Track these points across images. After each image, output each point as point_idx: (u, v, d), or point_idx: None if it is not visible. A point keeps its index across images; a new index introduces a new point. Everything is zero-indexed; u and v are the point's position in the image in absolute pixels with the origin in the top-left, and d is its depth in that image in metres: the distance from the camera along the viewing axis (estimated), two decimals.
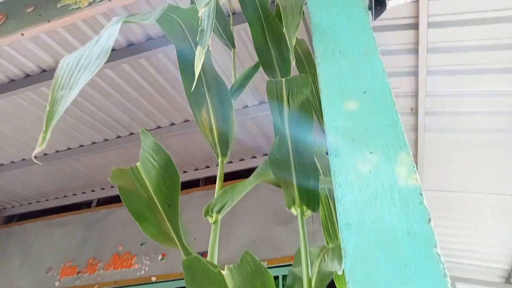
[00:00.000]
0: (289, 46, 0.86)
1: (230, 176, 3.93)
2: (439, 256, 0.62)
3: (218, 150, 1.01)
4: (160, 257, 3.82)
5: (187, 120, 3.78)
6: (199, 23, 0.69)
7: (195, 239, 3.71)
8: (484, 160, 2.50)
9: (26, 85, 3.03)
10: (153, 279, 3.68)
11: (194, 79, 1.03)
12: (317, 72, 0.98)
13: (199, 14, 0.66)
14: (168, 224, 0.73)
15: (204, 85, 1.03)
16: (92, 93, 3.29)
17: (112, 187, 4.83)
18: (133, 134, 3.94)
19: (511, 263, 3.63)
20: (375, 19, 1.28)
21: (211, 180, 4.70)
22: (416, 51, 2.08)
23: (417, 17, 1.92)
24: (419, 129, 2.47)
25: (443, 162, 2.68)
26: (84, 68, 0.56)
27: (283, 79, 0.82)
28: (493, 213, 2.98)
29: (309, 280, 0.72)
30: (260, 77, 3.29)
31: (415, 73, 2.19)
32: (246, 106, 3.61)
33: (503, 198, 2.75)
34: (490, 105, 2.19)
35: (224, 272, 0.55)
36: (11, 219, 5.23)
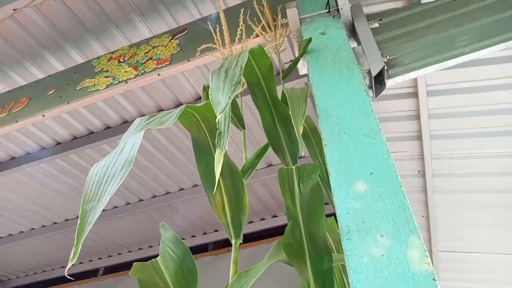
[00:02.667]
0: (296, 134, 0.92)
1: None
2: None
3: (232, 232, 1.03)
4: None
5: (196, 185, 3.83)
6: (217, 126, 0.75)
7: None
8: (498, 220, 2.47)
9: (41, 157, 3.14)
10: None
11: (208, 164, 1.09)
12: (324, 153, 1.03)
13: (217, 120, 0.73)
14: None
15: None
16: None
17: (120, 254, 4.77)
18: (142, 200, 3.97)
19: None
20: (376, 97, 1.36)
21: (219, 245, 4.63)
22: (418, 117, 2.16)
23: (416, 86, 2.02)
24: (428, 191, 2.48)
25: (456, 222, 2.65)
26: (111, 179, 0.61)
27: (294, 168, 0.87)
28: (508, 273, 2.88)
29: None
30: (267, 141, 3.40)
31: (419, 137, 2.26)
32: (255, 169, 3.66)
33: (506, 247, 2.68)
34: (495, 166, 2.22)
35: None
36: None
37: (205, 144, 1.06)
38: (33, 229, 4.17)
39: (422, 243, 0.78)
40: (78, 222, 0.59)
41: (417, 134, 2.25)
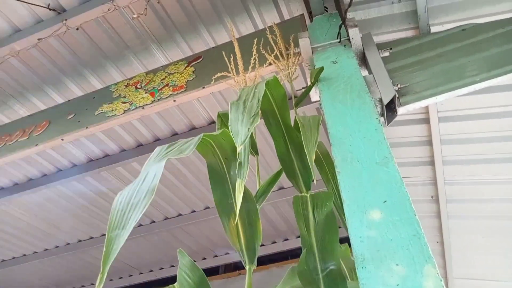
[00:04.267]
0: (309, 161, 0.95)
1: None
2: None
3: (246, 258, 1.05)
4: None
5: (208, 207, 3.84)
6: (237, 157, 0.78)
7: None
8: (502, 246, 2.42)
9: (57, 179, 3.20)
10: None
11: (223, 191, 1.11)
12: (338, 180, 1.05)
13: (238, 151, 0.76)
14: None
15: (232, 196, 1.11)
16: (118, 185, 3.43)
17: (131, 275, 4.76)
18: (154, 222, 3.99)
19: None
20: (388, 124, 1.38)
21: (230, 267, 4.59)
22: (430, 142, 2.16)
23: (427, 112, 2.04)
24: (442, 216, 2.46)
25: (471, 248, 2.60)
26: (135, 207, 0.64)
27: (308, 195, 0.89)
28: None
29: None
30: (278, 165, 3.42)
31: (432, 163, 2.25)
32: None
33: None
34: (509, 192, 2.19)
35: None
36: None
37: (221, 171, 1.09)
38: (46, 249, 4.21)
39: (437, 273, 0.78)
40: (104, 249, 0.62)
41: (429, 159, 2.25)
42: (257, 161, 1.35)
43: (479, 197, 2.31)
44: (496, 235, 2.45)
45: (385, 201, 0.97)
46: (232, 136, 0.81)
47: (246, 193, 1.09)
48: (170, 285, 0.76)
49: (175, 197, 3.67)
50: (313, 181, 1.13)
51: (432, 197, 2.41)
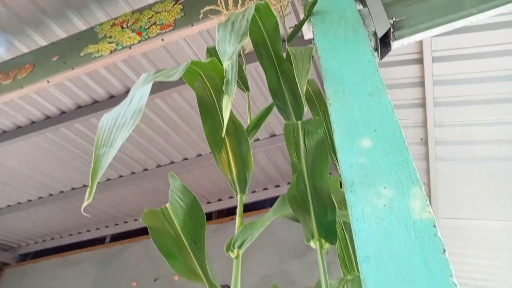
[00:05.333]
0: (300, 92, 0.94)
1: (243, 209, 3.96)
2: (455, 285, 0.65)
3: (237, 188, 1.06)
4: None
5: (200, 155, 3.87)
6: (224, 74, 0.76)
7: None
8: (499, 188, 2.50)
9: (46, 126, 3.16)
10: None
11: (213, 123, 1.10)
12: (329, 112, 1.05)
13: (224, 67, 0.74)
14: (195, 260, 0.78)
15: (223, 127, 1.10)
16: None
17: (126, 222, 4.88)
18: (147, 170, 4.03)
19: None
20: (381, 59, 1.36)
21: (223, 213, 4.72)
22: (422, 84, 2.15)
23: (421, 52, 2.01)
24: (430, 158, 2.50)
25: (457, 190, 2.69)
26: (121, 127, 0.62)
27: (299, 122, 0.89)
28: (509, 241, 2.94)
29: None
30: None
31: (423, 105, 2.25)
32: (257, 139, 3.69)
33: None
34: (499, 134, 2.22)
35: None
36: (25, 257, 5.27)
37: (210, 102, 1.08)
38: (40, 197, 4.26)
39: (424, 194, 0.80)
40: (92, 166, 0.61)
41: (421, 101, 2.25)
42: (247, 97, 1.34)
43: (469, 139, 2.34)
44: (484, 177, 2.52)
45: (375, 130, 0.97)
46: (220, 55, 0.78)
47: (237, 124, 1.08)
48: (162, 206, 0.77)
49: (167, 144, 3.68)
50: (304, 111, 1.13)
51: (421, 139, 2.44)
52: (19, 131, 3.25)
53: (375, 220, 0.79)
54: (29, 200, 4.33)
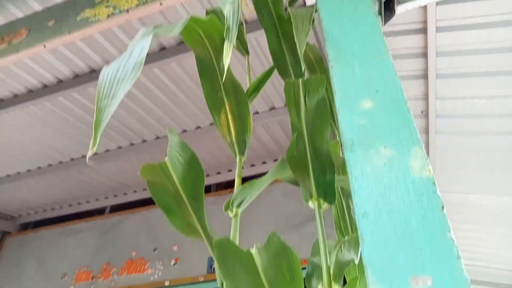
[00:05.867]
0: (298, 52, 0.92)
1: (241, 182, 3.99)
2: (453, 240, 0.65)
3: (236, 149, 1.06)
4: (173, 262, 3.86)
5: (199, 127, 3.85)
6: (225, 21, 0.74)
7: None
8: (497, 163, 2.51)
9: (43, 95, 3.13)
10: (166, 283, 3.72)
11: (212, 83, 1.09)
12: (331, 75, 1.03)
13: (225, 13, 0.72)
14: (194, 216, 0.78)
15: (222, 89, 1.08)
16: None
17: (125, 194, 4.91)
18: (145, 141, 4.02)
19: None
20: (384, 24, 1.33)
21: (222, 186, 4.75)
22: (425, 55, 2.12)
23: (425, 21, 1.96)
24: (430, 131, 2.49)
25: (456, 164, 2.69)
26: (122, 80, 0.61)
27: (300, 80, 0.87)
28: (506, 216, 2.97)
29: (328, 268, 0.76)
30: (271, 84, 3.37)
31: (425, 76, 2.23)
32: (257, 113, 3.67)
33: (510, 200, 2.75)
34: (501, 107, 2.21)
35: (253, 251, 0.59)
36: (26, 227, 5.33)
37: (209, 62, 1.06)
38: (39, 167, 4.26)
39: (424, 153, 0.80)
40: (94, 118, 0.60)
41: (423, 73, 2.22)
42: (247, 60, 1.31)
43: (470, 113, 2.33)
44: (483, 151, 2.52)
45: (377, 91, 0.96)
46: (220, 4, 0.76)
47: (236, 85, 1.07)
48: (161, 160, 0.76)
49: (166, 116, 3.65)
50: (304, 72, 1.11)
51: (422, 112, 2.42)
52: (16, 99, 3.22)
53: (374, 179, 0.79)
54: (28, 170, 4.34)
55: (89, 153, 0.55)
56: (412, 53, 2.16)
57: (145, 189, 4.83)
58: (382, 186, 0.77)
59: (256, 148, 4.13)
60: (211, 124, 3.84)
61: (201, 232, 0.78)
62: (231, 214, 0.92)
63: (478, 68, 2.09)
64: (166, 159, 0.77)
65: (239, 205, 0.92)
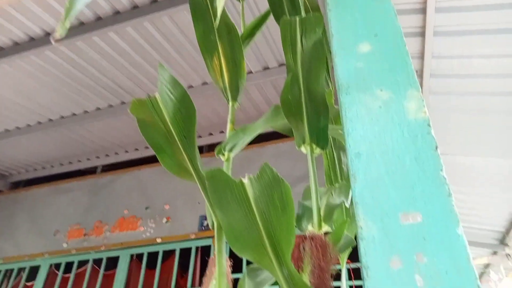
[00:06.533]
0: None
1: None
2: (445, 178, 0.65)
3: (229, 95, 1.03)
4: (164, 220, 3.92)
5: (191, 86, 3.79)
6: None
7: (198, 203, 3.80)
8: (488, 125, 2.51)
9: (30, 48, 3.02)
10: (158, 240, 3.79)
11: (205, 25, 1.04)
12: (328, 19, 0.99)
13: None
14: (185, 156, 0.76)
15: (216, 31, 1.04)
16: (96, 57, 3.28)
17: (117, 153, 4.89)
18: None
19: (506, 226, 3.72)
20: None
21: (214, 147, 4.75)
22: (423, 10, 2.05)
23: None
24: (424, 92, 2.47)
25: (446, 126, 2.70)
26: None
27: (297, 18, 0.84)
28: (492, 178, 3.03)
29: (319, 209, 0.76)
30: (265, 43, 3.28)
31: (422, 34, 2.18)
32: (250, 72, 3.60)
33: (502, 163, 2.79)
34: (498, 67, 2.18)
35: (245, 181, 0.58)
36: (17, 185, 5.33)
37: (203, 3, 1.01)
38: (29, 125, 4.20)
39: (420, 95, 0.78)
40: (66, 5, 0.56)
41: (420, 30, 2.17)
42: (242, 5, 1.26)
43: (465, 72, 2.30)
44: (476, 112, 2.51)
45: (376, 35, 0.93)
46: None
47: (231, 27, 1.03)
48: (151, 95, 0.73)
49: (157, 74, 3.57)
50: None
51: (416, 71, 2.39)
52: (2, 52, 3.11)
53: (369, 121, 0.78)
54: (18, 128, 4.27)
55: (57, 33, 0.51)
56: (411, 9, 2.09)
57: (136, 149, 4.81)
58: (377, 127, 0.76)
59: (249, 109, 4.09)
60: (204, 84, 3.78)
61: (193, 172, 0.77)
62: (223, 158, 0.91)
63: (477, 25, 2.04)
64: (156, 94, 0.75)
65: (231, 150, 0.91)
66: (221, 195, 0.59)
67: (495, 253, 4.45)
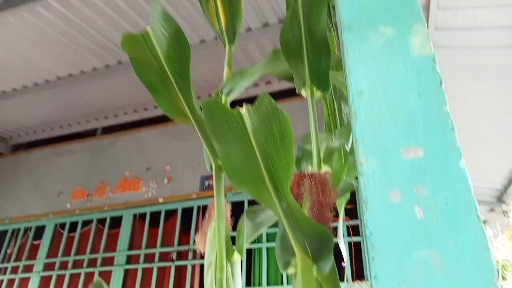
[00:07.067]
0: None
1: (231, 106, 3.95)
2: (449, 113, 0.63)
3: (226, 38, 0.99)
4: (166, 180, 3.95)
5: None
6: None
7: (199, 164, 3.82)
8: (490, 78, 2.46)
9: (21, 3, 2.92)
10: (160, 200, 3.85)
11: None
12: None
13: None
14: (180, 96, 0.74)
15: None
16: (91, 15, 3.18)
17: (116, 115, 4.86)
18: None
19: (504, 183, 3.76)
20: None
21: None
22: None
23: None
24: (430, 27, 2.37)
25: (452, 81, 2.63)
26: None
27: None
28: (491, 133, 3.01)
29: (319, 150, 0.74)
30: None
31: None
32: (249, 29, 3.50)
33: (501, 117, 2.76)
34: (504, 18, 2.09)
35: (243, 111, 0.56)
36: (18, 148, 5.34)
37: None
38: (25, 86, 4.14)
39: (426, 31, 0.75)
40: None
41: None
42: None
43: (471, 25, 2.22)
44: (482, 66, 2.44)
45: None
46: None
47: None
48: (143, 30, 0.70)
49: None
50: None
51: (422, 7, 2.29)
52: None
53: (371, 58, 0.75)
54: (14, 89, 4.22)
55: None
56: None
57: (135, 111, 4.77)
58: (379, 64, 0.73)
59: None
60: (201, 42, 3.69)
61: (189, 114, 0.75)
62: None
63: None
64: (148, 28, 0.71)
65: (228, 93, 0.89)
66: (218, 127, 0.57)
67: (492, 210, 4.52)
